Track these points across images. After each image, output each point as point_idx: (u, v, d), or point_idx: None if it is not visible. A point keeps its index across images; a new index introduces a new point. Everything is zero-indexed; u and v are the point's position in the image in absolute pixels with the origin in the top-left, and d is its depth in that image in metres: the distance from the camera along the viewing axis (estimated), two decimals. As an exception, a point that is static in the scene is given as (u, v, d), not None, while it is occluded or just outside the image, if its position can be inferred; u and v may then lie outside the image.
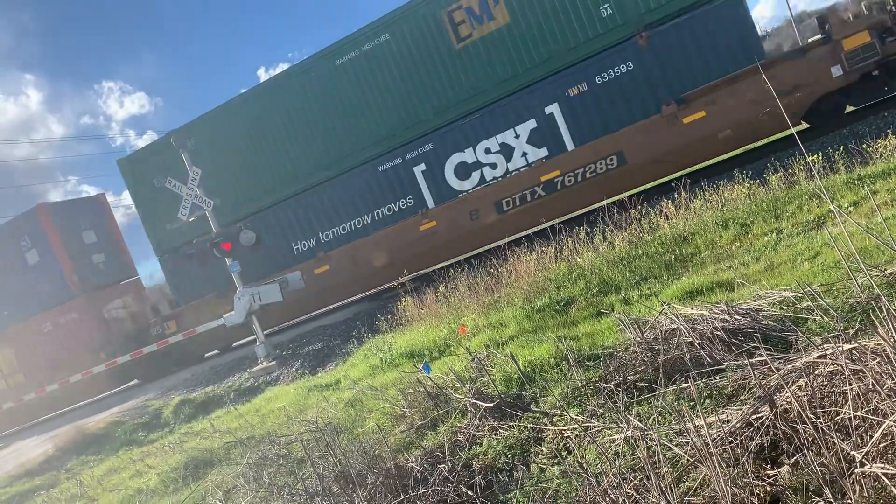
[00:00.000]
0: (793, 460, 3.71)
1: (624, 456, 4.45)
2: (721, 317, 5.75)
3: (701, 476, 3.90)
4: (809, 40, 15.05)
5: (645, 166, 14.89)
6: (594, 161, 15.38)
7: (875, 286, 4.48)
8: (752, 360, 4.50)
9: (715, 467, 3.56)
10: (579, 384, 5.88)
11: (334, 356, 14.17)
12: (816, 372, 3.91)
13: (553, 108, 15.87)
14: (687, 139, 14.63)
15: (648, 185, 16.00)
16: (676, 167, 15.12)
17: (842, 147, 11.20)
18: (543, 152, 16.14)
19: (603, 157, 15.27)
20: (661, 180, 15.66)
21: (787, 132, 14.17)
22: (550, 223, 14.29)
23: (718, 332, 5.48)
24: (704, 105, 14.47)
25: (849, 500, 3.18)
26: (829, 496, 3.27)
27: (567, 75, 15.72)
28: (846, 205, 8.77)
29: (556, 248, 11.69)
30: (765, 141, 15.29)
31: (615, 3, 15.09)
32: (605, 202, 13.03)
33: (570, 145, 15.87)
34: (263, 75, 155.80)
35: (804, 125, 15.11)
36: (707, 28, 14.60)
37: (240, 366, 16.97)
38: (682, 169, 15.09)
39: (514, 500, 4.81)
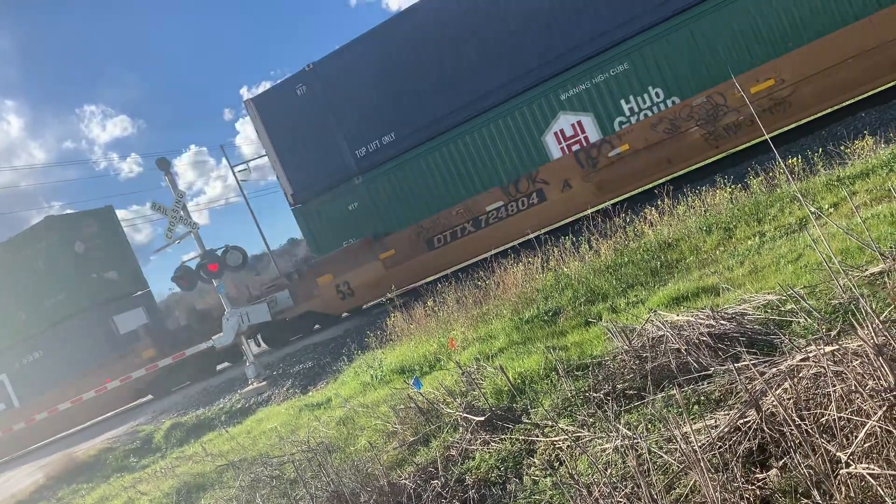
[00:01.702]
0: (781, 463, 3.74)
1: (615, 465, 4.47)
2: (707, 322, 5.79)
3: (691, 482, 3.92)
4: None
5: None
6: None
7: (855, 287, 4.54)
8: (738, 365, 4.55)
9: (704, 473, 3.59)
10: (569, 394, 5.90)
11: (325, 374, 14.12)
12: (800, 375, 3.95)
13: (3, 378, 23.26)
14: None
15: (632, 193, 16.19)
16: None
17: (820, 149, 11.34)
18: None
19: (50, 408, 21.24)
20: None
21: (762, 138, 14.34)
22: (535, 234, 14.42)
23: (704, 338, 5.52)
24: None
25: (836, 502, 3.22)
26: (817, 498, 3.30)
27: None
28: (826, 206, 8.87)
29: (542, 259, 11.74)
30: (744, 146, 15.52)
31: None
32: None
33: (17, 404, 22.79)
34: (246, 94, 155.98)
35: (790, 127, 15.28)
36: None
37: (231, 387, 16.88)
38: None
39: (508, 514, 4.82)
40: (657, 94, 15.99)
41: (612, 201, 15.22)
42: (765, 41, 15.09)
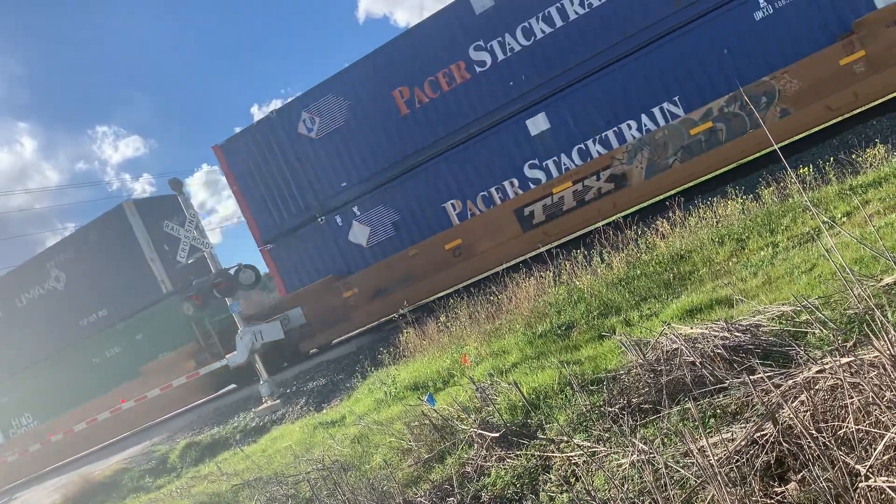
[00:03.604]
0: (799, 476, 3.71)
1: (632, 480, 4.45)
2: (721, 334, 5.77)
3: (709, 497, 3.89)
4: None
5: None
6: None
7: (870, 298, 4.51)
8: (754, 377, 4.52)
9: (722, 487, 3.57)
10: (584, 409, 5.88)
11: (338, 392, 14.12)
12: (817, 387, 3.92)
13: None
14: None
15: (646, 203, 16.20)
16: None
17: (832, 158, 11.29)
18: None
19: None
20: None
21: (770, 148, 14.29)
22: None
23: (719, 350, 5.50)
24: None
25: (856, 515, 3.19)
26: (837, 511, 3.27)
27: None
28: (839, 215, 8.82)
29: (554, 272, 11.72)
30: (755, 156, 15.50)
31: None
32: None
33: None
34: (257, 112, 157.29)
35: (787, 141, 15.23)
36: None
37: (245, 405, 16.91)
38: None
39: (525, 531, 4.79)
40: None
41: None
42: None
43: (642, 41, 15.07)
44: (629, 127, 15.52)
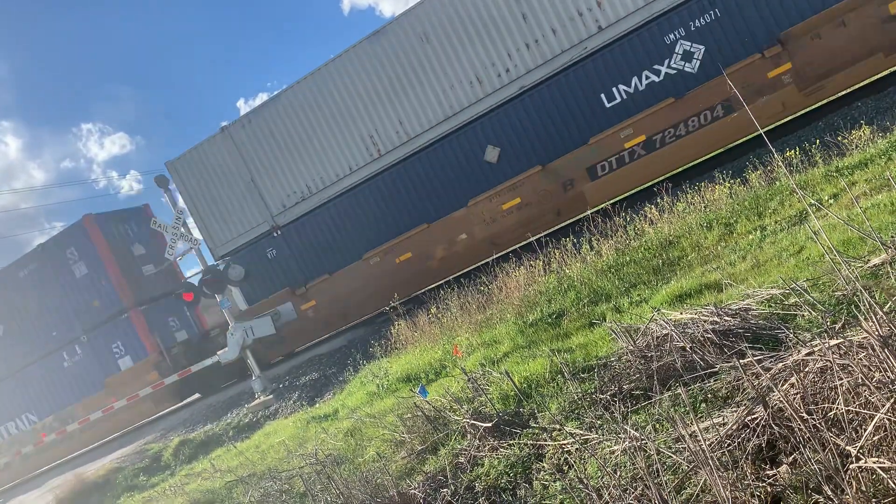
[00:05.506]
0: (791, 459, 3.72)
1: (624, 466, 4.45)
2: (711, 319, 5.77)
3: (701, 481, 3.90)
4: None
5: None
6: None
7: (858, 280, 4.52)
8: (744, 361, 4.53)
9: (714, 472, 3.57)
10: (576, 397, 5.88)
11: (331, 385, 14.10)
12: (807, 369, 3.93)
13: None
14: None
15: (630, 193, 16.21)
16: None
17: (818, 140, 11.31)
18: None
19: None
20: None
21: (756, 133, 14.36)
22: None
23: (709, 335, 5.50)
24: None
25: (847, 496, 3.19)
26: (829, 492, 3.28)
27: None
28: (826, 197, 8.84)
29: (544, 261, 11.71)
30: (742, 140, 15.55)
31: None
32: None
33: None
34: (243, 106, 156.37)
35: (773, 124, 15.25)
36: None
37: (237, 402, 16.87)
38: None
39: (519, 520, 4.79)
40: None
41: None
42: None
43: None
44: (13, 425, 23.24)
